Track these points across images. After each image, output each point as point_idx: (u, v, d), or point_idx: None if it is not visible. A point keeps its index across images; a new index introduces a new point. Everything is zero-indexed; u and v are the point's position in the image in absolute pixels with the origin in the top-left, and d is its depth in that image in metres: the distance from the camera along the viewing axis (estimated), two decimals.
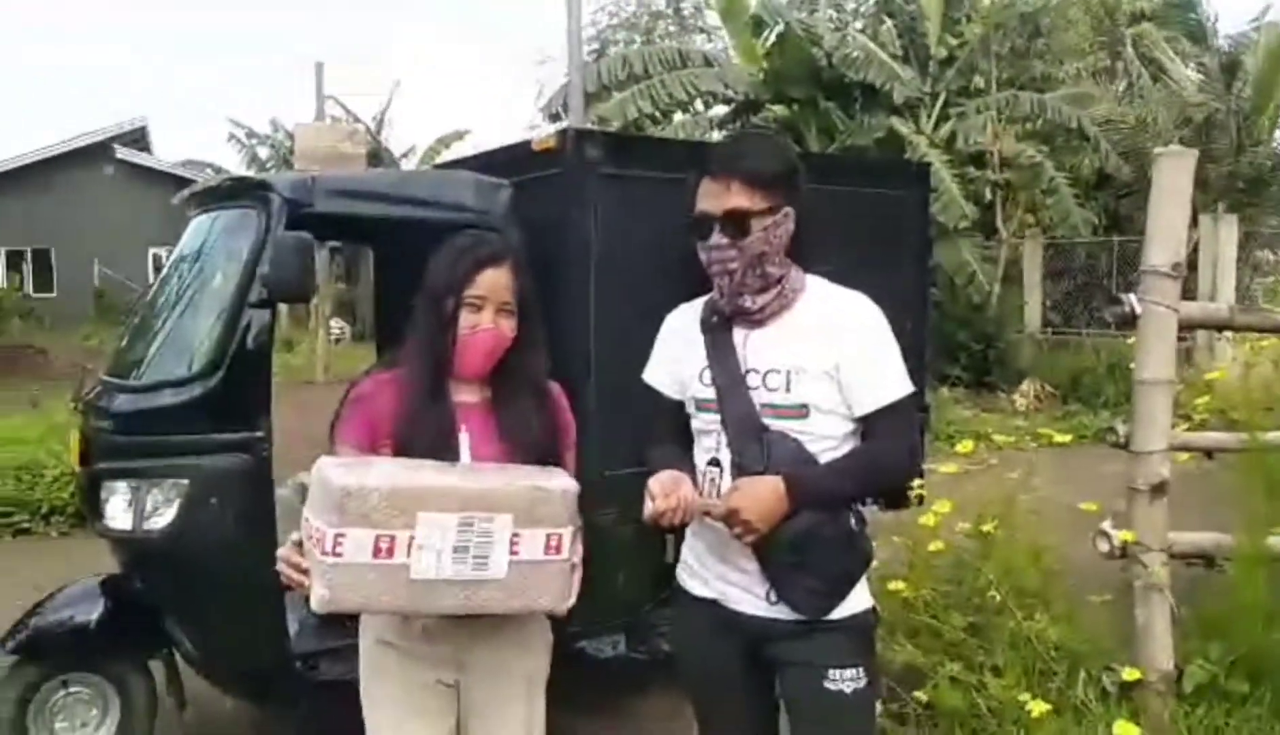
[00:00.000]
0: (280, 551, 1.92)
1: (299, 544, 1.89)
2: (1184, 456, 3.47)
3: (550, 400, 2.18)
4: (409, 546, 1.82)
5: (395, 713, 2.13)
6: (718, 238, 2.02)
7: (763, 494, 1.94)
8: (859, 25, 16.07)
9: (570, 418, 2.23)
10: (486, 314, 2.04)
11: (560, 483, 1.96)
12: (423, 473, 1.93)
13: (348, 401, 2.13)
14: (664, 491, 1.96)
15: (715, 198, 2.02)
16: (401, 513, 1.82)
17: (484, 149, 4.38)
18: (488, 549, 1.86)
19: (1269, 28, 13.95)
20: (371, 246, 5.33)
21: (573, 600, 1.97)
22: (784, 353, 2.04)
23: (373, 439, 2.06)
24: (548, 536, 1.91)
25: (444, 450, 2.02)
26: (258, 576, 3.18)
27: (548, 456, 2.07)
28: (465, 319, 2.04)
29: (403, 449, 2.02)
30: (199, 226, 3.84)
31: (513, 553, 1.88)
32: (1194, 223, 12.00)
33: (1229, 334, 4.98)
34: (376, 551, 1.80)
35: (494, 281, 2.05)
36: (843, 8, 17.67)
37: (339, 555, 1.79)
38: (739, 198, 2.00)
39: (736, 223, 2.00)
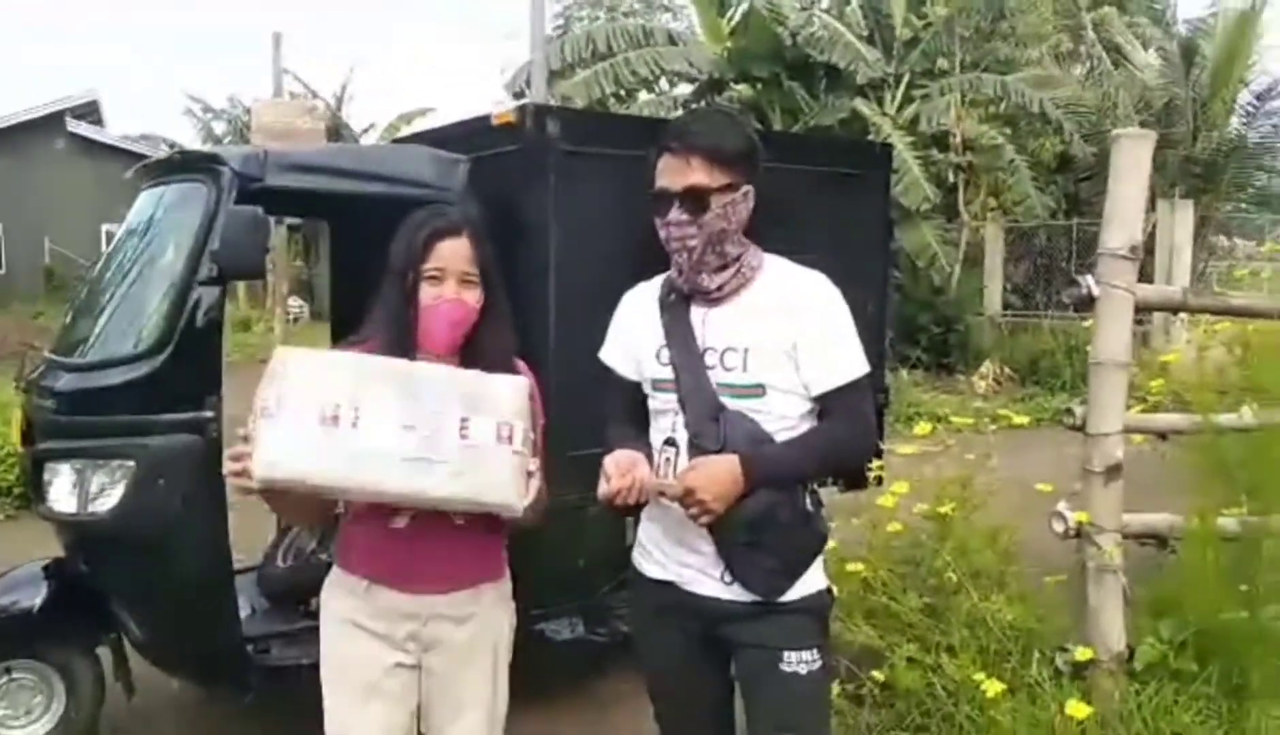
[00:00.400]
0: (229, 451, 1.89)
1: (244, 437, 1.85)
2: (1138, 438, 3.50)
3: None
4: (354, 417, 1.80)
5: (356, 694, 2.10)
6: (677, 214, 2.00)
7: (719, 473, 1.93)
8: (824, 5, 16.02)
9: (537, 396, 2.20)
10: (448, 285, 2.03)
11: (511, 377, 1.97)
12: (371, 357, 1.93)
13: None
14: (620, 471, 1.94)
15: (675, 174, 2.00)
16: (347, 383, 1.82)
17: (443, 123, 4.30)
18: (437, 428, 1.84)
19: (1225, 13, 14.10)
20: (327, 222, 5.24)
21: (529, 500, 1.92)
22: (741, 331, 2.03)
23: None
24: (498, 425, 1.89)
25: None
26: (207, 559, 3.16)
27: None
28: (426, 291, 2.02)
29: None
30: (148, 200, 3.74)
31: (462, 436, 1.85)
32: (1151, 207, 12.16)
33: (1184, 317, 5.05)
34: (322, 418, 1.79)
35: (452, 252, 2.03)
36: None
37: (284, 415, 1.78)
38: (698, 174, 1.98)
39: (696, 199, 1.98)
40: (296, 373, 1.82)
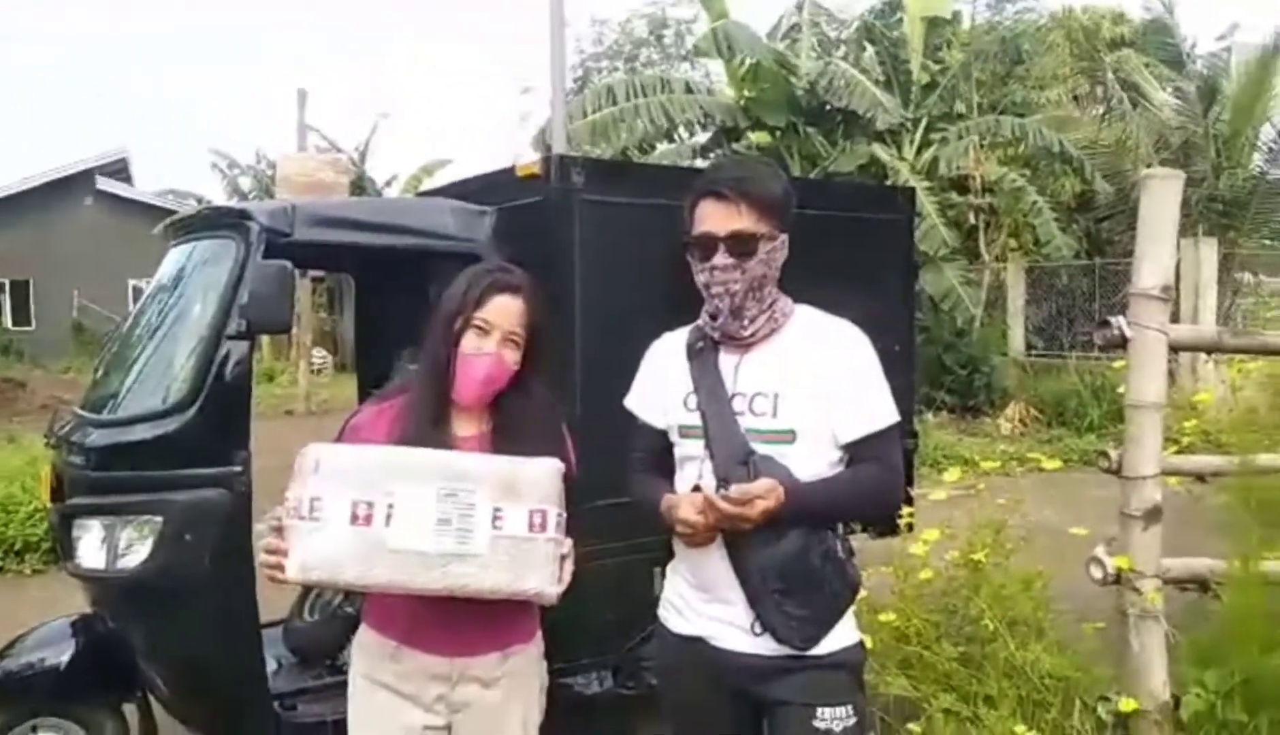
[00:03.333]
0: (262, 542, 1.89)
1: (278, 529, 1.86)
2: (1174, 480, 3.44)
3: (554, 444, 2.11)
4: (387, 515, 1.80)
5: None
6: (722, 258, 2.00)
7: (774, 489, 1.91)
8: (841, 52, 16.14)
9: (571, 463, 2.15)
10: (492, 340, 2.02)
11: (543, 461, 1.94)
12: (402, 450, 1.93)
13: (345, 430, 2.11)
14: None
15: (722, 219, 2.01)
16: (379, 480, 1.82)
17: (467, 175, 4.34)
18: (470, 522, 1.83)
19: (1240, 48, 14.11)
20: (353, 275, 5.28)
21: (562, 587, 1.91)
22: (772, 377, 2.03)
23: None
24: (530, 513, 1.87)
25: None
26: (234, 614, 3.14)
27: None
28: (469, 341, 2.01)
29: None
30: (177, 256, 3.78)
31: (495, 527, 1.84)
32: (1175, 246, 12.05)
33: (1214, 356, 5.00)
34: (354, 518, 1.79)
35: (505, 309, 2.03)
36: (825, 35, 17.76)
37: (316, 519, 1.79)
38: (747, 220, 2.00)
39: (743, 244, 2.00)
40: (327, 469, 1.83)
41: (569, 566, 1.93)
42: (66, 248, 23.09)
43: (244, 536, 3.14)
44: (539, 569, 1.87)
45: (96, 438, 3.30)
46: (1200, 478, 3.38)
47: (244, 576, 3.12)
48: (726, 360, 2.07)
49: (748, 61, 13.87)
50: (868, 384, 2.03)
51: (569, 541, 1.94)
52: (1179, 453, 3.78)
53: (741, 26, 13.84)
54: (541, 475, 1.91)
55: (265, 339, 19.75)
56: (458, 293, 2.04)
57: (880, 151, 13.64)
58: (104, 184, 24.51)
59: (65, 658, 3.27)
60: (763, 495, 1.89)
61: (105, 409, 3.45)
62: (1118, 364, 3.23)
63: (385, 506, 1.80)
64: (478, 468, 1.89)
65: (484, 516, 1.84)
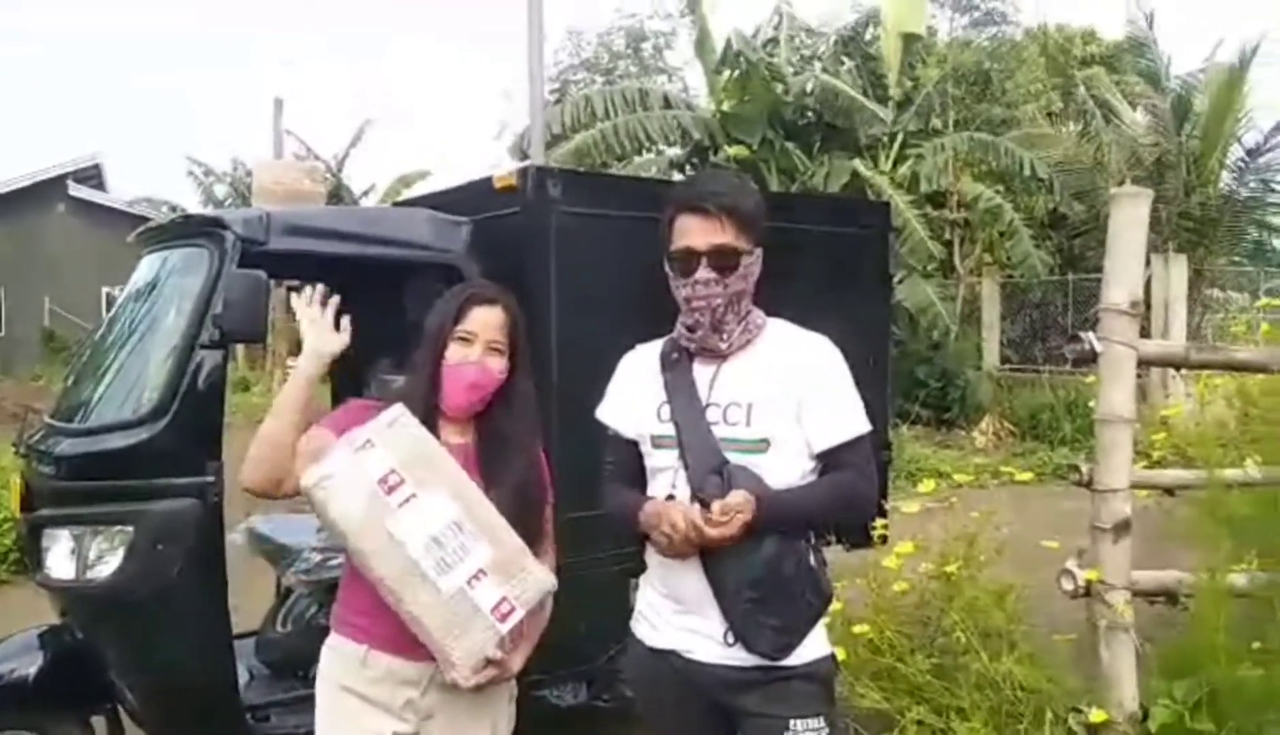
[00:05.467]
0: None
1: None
2: (1143, 493, 3.47)
3: (535, 456, 2.19)
4: (405, 499, 1.89)
5: None
6: (705, 273, 2.01)
7: (750, 502, 1.92)
8: (819, 67, 16.24)
9: (547, 476, 2.25)
10: (476, 348, 2.08)
11: (548, 574, 2.04)
12: (453, 463, 2.00)
13: (341, 405, 2.19)
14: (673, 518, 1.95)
15: (704, 234, 2.02)
16: (421, 469, 1.92)
17: (444, 186, 4.33)
18: (456, 561, 1.90)
19: (1214, 68, 14.29)
20: (328, 285, 5.24)
21: (475, 681, 1.96)
22: (745, 387, 2.04)
23: None
24: (502, 598, 1.93)
25: None
26: (206, 626, 3.12)
27: (528, 504, 2.10)
28: (454, 351, 2.07)
29: None
30: (150, 264, 3.75)
31: (469, 583, 1.91)
32: (1145, 262, 12.16)
33: (1183, 371, 5.06)
34: (383, 480, 1.89)
35: (486, 319, 2.10)
36: (804, 48, 17.86)
37: (359, 457, 1.90)
38: (729, 235, 2.01)
39: (726, 259, 2.01)
40: (395, 429, 1.93)
41: (488, 674, 1.98)
42: (38, 254, 22.77)
43: (216, 547, 3.13)
44: (470, 647, 1.93)
45: (67, 447, 3.27)
46: (1169, 491, 3.42)
47: (216, 587, 3.10)
48: (701, 371, 2.08)
49: (737, 72, 13.91)
50: (839, 394, 2.06)
51: (511, 663, 2.02)
52: (1150, 466, 3.83)
53: (746, 39, 13.95)
54: (537, 582, 2.00)
55: (240, 348, 19.61)
56: (438, 310, 2.12)
57: (859, 166, 13.73)
58: (76, 190, 24.19)
59: (33, 669, 3.22)
60: (741, 509, 1.90)
61: (76, 418, 3.42)
62: (1089, 379, 3.27)
63: (409, 493, 1.89)
64: (499, 529, 1.96)
65: (468, 567, 1.91)
